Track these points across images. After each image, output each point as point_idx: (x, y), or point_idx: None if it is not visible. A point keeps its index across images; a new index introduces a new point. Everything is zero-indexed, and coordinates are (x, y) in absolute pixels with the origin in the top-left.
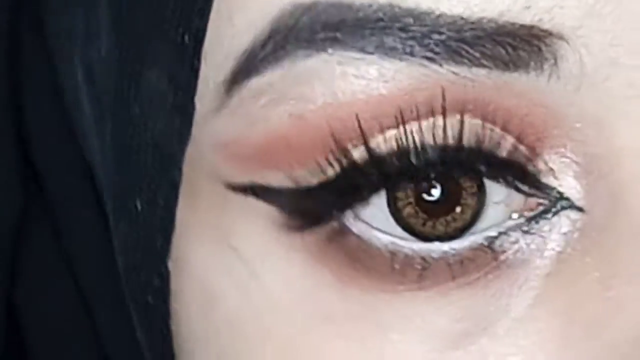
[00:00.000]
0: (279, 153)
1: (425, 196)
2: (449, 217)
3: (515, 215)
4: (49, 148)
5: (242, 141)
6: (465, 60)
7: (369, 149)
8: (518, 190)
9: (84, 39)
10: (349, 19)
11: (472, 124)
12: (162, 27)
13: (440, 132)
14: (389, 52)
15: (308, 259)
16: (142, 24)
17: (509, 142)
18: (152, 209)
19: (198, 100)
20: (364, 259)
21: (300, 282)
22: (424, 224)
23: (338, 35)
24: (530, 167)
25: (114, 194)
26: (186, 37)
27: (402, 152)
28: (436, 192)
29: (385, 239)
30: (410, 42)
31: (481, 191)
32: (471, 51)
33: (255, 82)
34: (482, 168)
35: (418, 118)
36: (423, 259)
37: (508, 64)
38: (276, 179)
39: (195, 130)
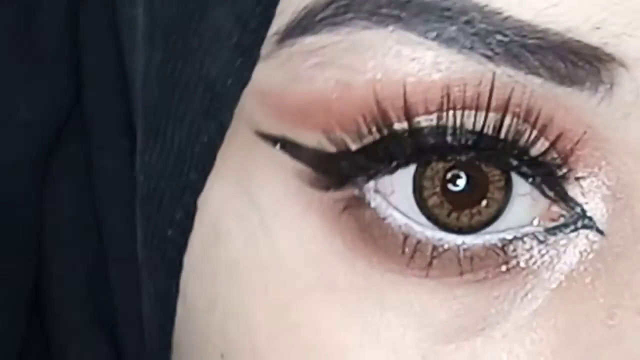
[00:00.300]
0: (316, 114)
1: (451, 187)
2: (474, 210)
3: (535, 222)
4: (97, 55)
5: (282, 95)
6: (523, 67)
7: (410, 124)
8: (543, 193)
9: None
10: (416, 1)
11: (512, 122)
12: None
13: (481, 120)
14: (449, 42)
15: (322, 223)
16: None
17: (544, 144)
18: (192, 145)
19: None
20: (376, 235)
21: (310, 245)
22: (448, 215)
23: (402, 14)
24: (559, 174)
25: (150, 119)
26: None
27: (440, 130)
28: (461, 182)
29: (401, 219)
30: (473, 38)
31: (508, 186)
32: (531, 59)
33: (308, 41)
34: (513, 162)
35: (463, 109)
36: (435, 247)
37: (564, 79)
38: (308, 138)
39: None
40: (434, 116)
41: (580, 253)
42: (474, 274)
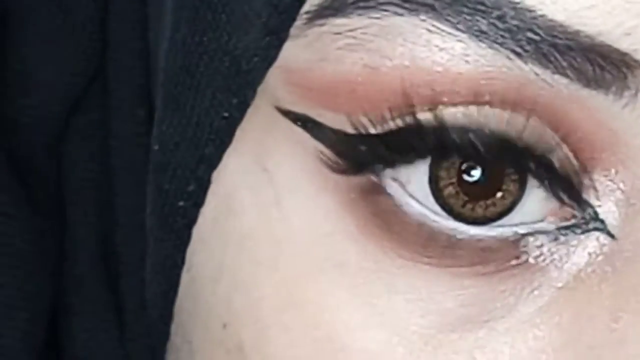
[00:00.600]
0: (341, 96)
1: (466, 178)
2: (489, 201)
3: (548, 220)
4: (123, 23)
5: (308, 73)
6: (551, 66)
7: (435, 116)
8: (557, 195)
9: None
10: None
11: (535, 124)
12: None
13: (504, 121)
14: (479, 35)
15: (336, 205)
16: None
17: (563, 151)
18: (211, 119)
19: None
20: (391, 221)
21: (323, 225)
22: (463, 205)
23: (435, 4)
24: (575, 181)
25: (171, 90)
26: None
27: (464, 128)
28: (477, 173)
29: (416, 207)
30: (504, 33)
31: (522, 179)
32: (560, 59)
33: (339, 22)
34: (532, 166)
35: (489, 104)
36: (448, 237)
37: (590, 81)
38: (330, 119)
39: None
40: (459, 111)
41: (590, 254)
42: (483, 266)
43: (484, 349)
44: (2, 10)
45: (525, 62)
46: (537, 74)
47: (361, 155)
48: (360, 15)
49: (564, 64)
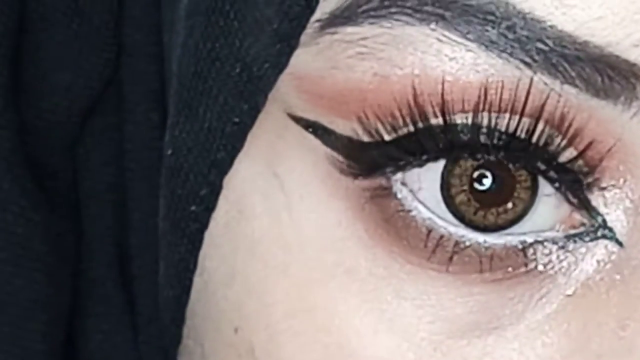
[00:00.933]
0: (352, 103)
1: (478, 186)
2: (500, 209)
3: (557, 228)
4: (137, 29)
5: (319, 81)
6: (560, 76)
7: (445, 120)
8: (567, 200)
9: None
10: (460, 2)
11: (545, 128)
12: None
13: (514, 122)
14: (489, 45)
15: (346, 210)
16: None
17: (573, 153)
18: (223, 124)
19: None
20: (400, 226)
21: (333, 230)
22: (475, 213)
23: (446, 14)
24: (585, 182)
25: (183, 95)
26: None
27: (474, 129)
28: (488, 182)
29: (425, 213)
30: (513, 43)
31: (534, 186)
32: (569, 69)
33: (350, 31)
34: (541, 166)
35: (498, 111)
36: (457, 243)
37: (599, 92)
38: (341, 125)
39: None
40: (469, 115)
41: (598, 262)
42: (492, 273)
43: (493, 355)
44: (19, 16)
45: (535, 72)
46: (546, 84)
47: (372, 158)
48: (371, 24)
49: (573, 74)
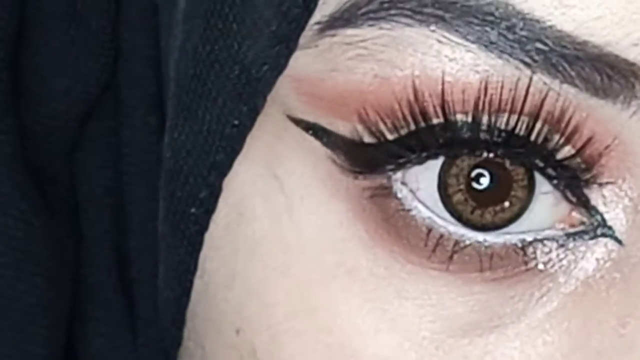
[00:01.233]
0: (352, 104)
1: (475, 185)
2: (497, 207)
3: (556, 226)
4: (135, 33)
5: (319, 83)
6: (560, 76)
7: (445, 119)
8: (565, 197)
9: None
10: (460, 3)
11: (544, 127)
12: None
13: (513, 120)
14: (489, 45)
15: (347, 211)
16: None
17: (571, 151)
18: (222, 127)
19: None
20: (400, 226)
21: (334, 231)
22: (472, 212)
23: (445, 15)
24: (583, 178)
25: (182, 98)
26: None
27: (474, 126)
28: (485, 181)
29: (425, 213)
30: (513, 44)
31: (531, 185)
32: (568, 69)
33: (350, 33)
34: (540, 163)
35: (497, 111)
36: (457, 242)
37: (598, 91)
38: (341, 127)
39: None
40: (469, 113)
41: (598, 260)
42: (492, 272)
43: (494, 354)
44: (18, 21)
45: (534, 72)
46: (545, 84)
47: (373, 157)
48: (371, 26)
49: (573, 73)
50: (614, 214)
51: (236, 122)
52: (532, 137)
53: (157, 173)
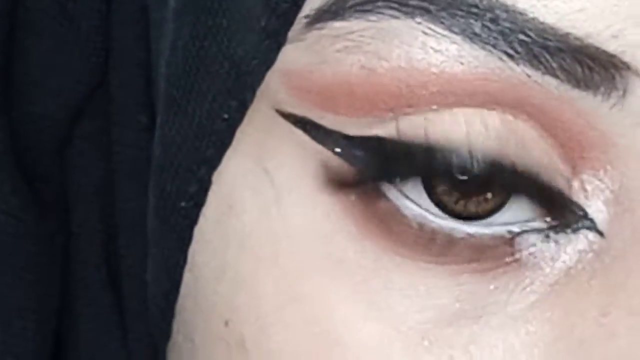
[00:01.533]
0: (340, 97)
1: (458, 176)
2: (480, 198)
3: (540, 219)
4: (125, 31)
5: (307, 75)
6: (542, 67)
7: (425, 139)
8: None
9: None
10: None
11: (523, 127)
12: None
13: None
14: (473, 37)
15: (335, 205)
16: None
17: (554, 146)
18: (212, 121)
19: None
20: (391, 223)
21: (322, 224)
22: (456, 202)
23: (431, 7)
24: (565, 192)
25: (172, 93)
26: None
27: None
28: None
29: (416, 210)
30: (496, 35)
31: None
32: (550, 60)
33: (337, 25)
34: (521, 189)
35: (481, 105)
36: (447, 236)
37: (579, 82)
38: (330, 120)
39: None
40: (454, 107)
41: (580, 252)
42: (479, 263)
43: (479, 343)
44: (9, 21)
45: (517, 64)
46: (528, 75)
47: (354, 157)
48: (357, 18)
49: (554, 65)
50: (596, 207)
51: (226, 116)
52: (516, 163)
53: (147, 171)
